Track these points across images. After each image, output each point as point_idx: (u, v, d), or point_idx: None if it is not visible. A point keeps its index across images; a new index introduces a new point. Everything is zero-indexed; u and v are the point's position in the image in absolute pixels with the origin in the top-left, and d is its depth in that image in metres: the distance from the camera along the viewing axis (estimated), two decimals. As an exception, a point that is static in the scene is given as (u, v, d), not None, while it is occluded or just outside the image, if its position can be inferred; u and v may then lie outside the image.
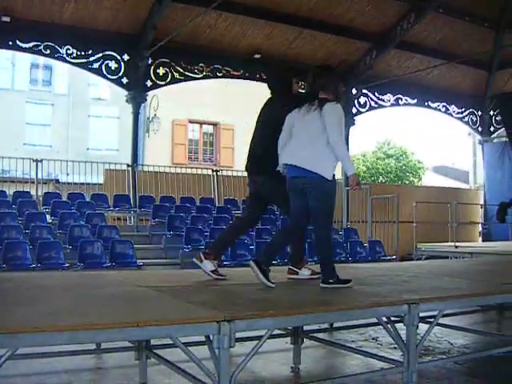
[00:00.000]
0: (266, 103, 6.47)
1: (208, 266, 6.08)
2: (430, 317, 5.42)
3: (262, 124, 6.34)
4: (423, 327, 5.22)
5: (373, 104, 18.23)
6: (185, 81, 15.49)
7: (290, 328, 6.13)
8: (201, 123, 25.70)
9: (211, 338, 3.78)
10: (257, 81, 16.54)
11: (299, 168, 5.41)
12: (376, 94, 18.20)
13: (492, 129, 21.15)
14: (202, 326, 3.76)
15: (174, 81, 15.28)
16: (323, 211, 5.51)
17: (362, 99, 18.02)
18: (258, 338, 4.20)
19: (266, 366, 6.36)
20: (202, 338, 4.00)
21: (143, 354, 5.37)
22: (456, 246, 14.35)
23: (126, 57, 14.48)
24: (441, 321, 6.82)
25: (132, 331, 3.59)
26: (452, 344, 7.71)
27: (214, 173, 16.31)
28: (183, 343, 3.87)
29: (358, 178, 5.50)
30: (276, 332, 5.96)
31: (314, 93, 5.62)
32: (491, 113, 21.01)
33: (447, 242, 15.89)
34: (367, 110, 18.18)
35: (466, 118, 20.65)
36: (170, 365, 4.81)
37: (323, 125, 5.38)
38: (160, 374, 5.71)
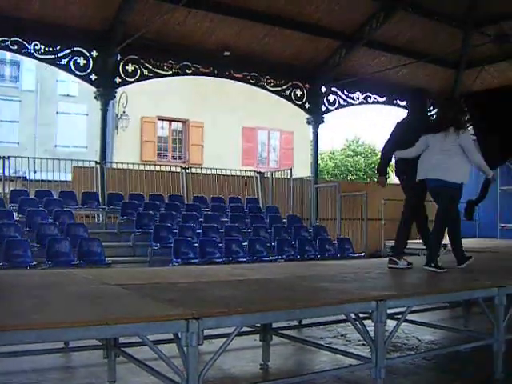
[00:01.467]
0: (405, 119, 8.06)
1: (404, 263, 7.38)
2: (398, 313, 5.46)
3: (402, 134, 7.68)
4: (391, 324, 5.26)
5: (342, 102, 18.29)
6: (154, 78, 15.38)
7: (258, 325, 6.14)
8: (170, 120, 25.58)
9: (179, 335, 3.77)
10: (226, 78, 16.52)
11: (442, 180, 7.03)
12: (345, 91, 18.27)
13: (460, 127, 21.30)
14: (170, 324, 3.75)
15: (143, 78, 15.17)
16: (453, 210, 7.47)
17: (332, 97, 18.07)
18: (227, 335, 4.20)
19: (234, 363, 6.37)
20: (171, 336, 3.99)
21: (112, 352, 5.34)
22: (424, 243, 14.43)
23: (94, 53, 14.32)
24: (409, 317, 6.90)
25: (100, 329, 3.57)
26: (420, 340, 7.79)
27: (183, 170, 16.26)
28: (152, 341, 3.86)
29: (495, 175, 7.60)
30: (245, 329, 5.97)
31: (446, 121, 7.12)
32: (459, 111, 21.16)
33: (415, 239, 15.99)
34: (336, 108, 18.24)
35: (435, 117, 20.75)
36: (138, 363, 4.79)
37: (460, 148, 6.94)
38: (129, 373, 5.68)
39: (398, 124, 7.91)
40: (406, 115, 8.18)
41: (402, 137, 7.61)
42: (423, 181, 7.21)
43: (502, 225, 18.41)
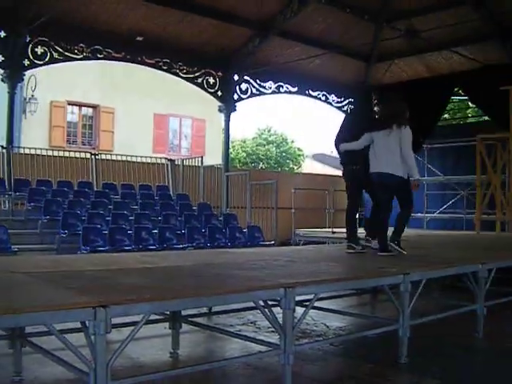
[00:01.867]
0: (350, 113, 8.93)
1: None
2: (308, 300, 5.55)
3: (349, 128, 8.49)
4: (301, 311, 5.34)
5: (254, 91, 18.34)
6: (64, 61, 14.99)
7: (168, 313, 6.13)
8: (80, 105, 25.06)
9: (87, 324, 3.73)
10: (138, 64, 16.27)
11: (388, 174, 7.72)
12: (258, 81, 18.32)
13: (371, 119, 21.72)
14: (77, 312, 3.69)
15: (53, 61, 14.74)
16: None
17: (244, 86, 18.08)
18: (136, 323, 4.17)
19: (144, 351, 6.35)
20: (79, 325, 3.93)
21: (17, 342, 5.23)
22: (333, 232, 14.72)
23: (2, 33, 13.87)
24: (318, 304, 7.05)
25: (5, 318, 3.49)
26: (328, 327, 7.95)
27: (93, 156, 15.96)
28: (59, 330, 3.80)
29: (418, 181, 7.96)
30: (155, 317, 5.97)
31: (388, 119, 7.82)
32: (369, 103, 21.61)
33: (325, 227, 16.30)
34: (249, 97, 18.27)
35: (345, 108, 21.06)
36: (45, 353, 4.70)
37: (399, 142, 7.63)
38: (35, 363, 5.58)
39: (345, 118, 8.69)
40: (351, 109, 8.93)
41: (347, 130, 8.39)
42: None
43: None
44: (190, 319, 6.57)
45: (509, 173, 14.15)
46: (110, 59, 15.79)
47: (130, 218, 13.30)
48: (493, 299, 7.99)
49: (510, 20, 16.27)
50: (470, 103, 22.72)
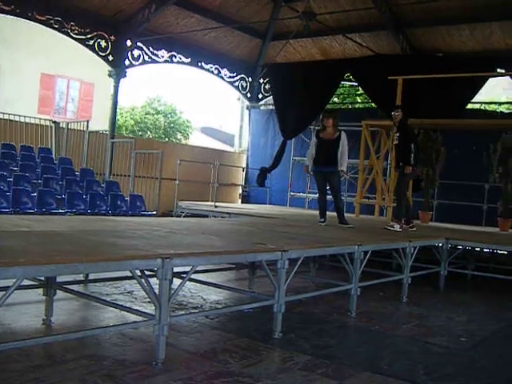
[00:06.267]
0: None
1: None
2: (187, 273, 5.55)
3: None
4: (179, 283, 5.34)
5: (146, 58, 18.05)
6: None
7: (42, 279, 5.99)
8: (-39, 58, 23.96)
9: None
10: (28, 19, 15.52)
11: None
12: (151, 48, 18.03)
13: (260, 96, 21.91)
14: None
15: None
16: None
17: (136, 52, 17.74)
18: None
19: (16, 318, 6.20)
20: None
21: None
22: (216, 206, 14.77)
23: None
24: (197, 277, 7.06)
25: None
26: (205, 299, 8.00)
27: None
28: None
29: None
30: (29, 283, 5.83)
31: None
32: (261, 81, 21.74)
33: (208, 201, 16.34)
34: (140, 64, 17.95)
35: (237, 83, 21.15)
36: None
37: None
38: None
39: None
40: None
41: None
42: None
43: (292, 193, 19.23)
44: (65, 286, 6.44)
45: (391, 160, 14.58)
46: (-4, 11, 15.03)
47: (9, 179, 12.90)
48: (367, 280, 8.27)
49: (404, 12, 16.78)
50: (359, 89, 23.19)
